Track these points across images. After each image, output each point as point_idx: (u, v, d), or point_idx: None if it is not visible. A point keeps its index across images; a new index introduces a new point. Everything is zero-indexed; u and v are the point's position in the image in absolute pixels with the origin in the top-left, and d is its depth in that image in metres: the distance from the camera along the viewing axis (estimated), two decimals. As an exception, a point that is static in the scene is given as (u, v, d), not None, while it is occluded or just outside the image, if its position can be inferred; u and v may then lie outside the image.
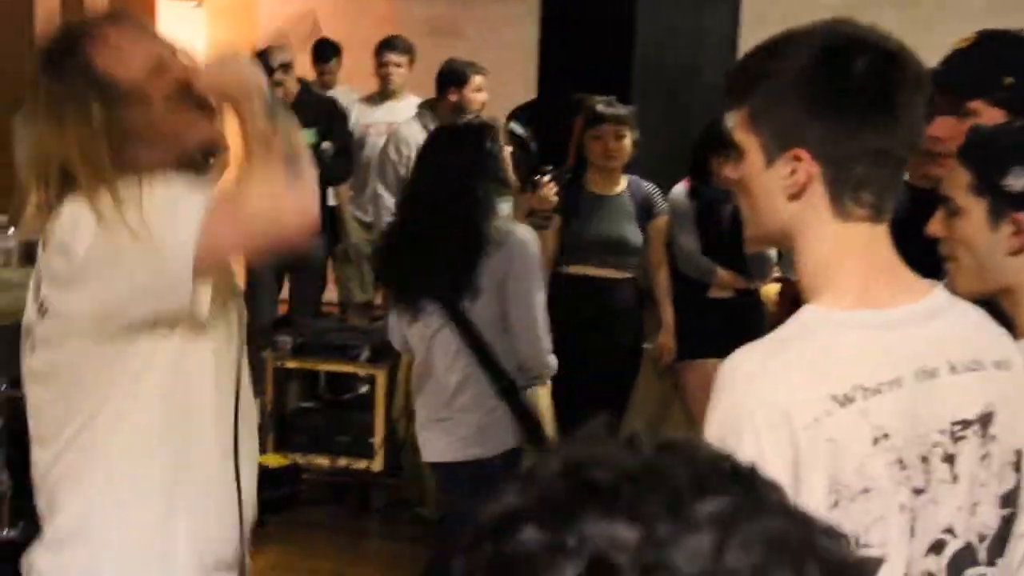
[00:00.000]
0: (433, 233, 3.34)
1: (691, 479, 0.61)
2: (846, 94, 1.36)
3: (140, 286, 1.79)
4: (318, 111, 5.86)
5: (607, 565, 0.58)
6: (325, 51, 6.86)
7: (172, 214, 1.78)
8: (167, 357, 1.87)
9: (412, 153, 5.65)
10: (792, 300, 4.87)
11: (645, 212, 4.65)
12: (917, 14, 5.91)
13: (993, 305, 1.71)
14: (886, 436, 1.33)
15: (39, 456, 1.96)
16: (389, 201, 5.54)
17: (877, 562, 1.33)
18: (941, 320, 1.42)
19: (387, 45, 6.38)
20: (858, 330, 1.37)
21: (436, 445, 3.44)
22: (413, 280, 3.40)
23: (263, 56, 5.85)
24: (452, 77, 5.71)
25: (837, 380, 1.33)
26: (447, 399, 3.39)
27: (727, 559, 0.58)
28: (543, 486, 0.62)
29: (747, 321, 4.69)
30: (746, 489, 0.62)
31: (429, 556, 4.05)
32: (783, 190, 1.39)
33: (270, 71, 5.80)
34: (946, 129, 2.17)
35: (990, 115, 2.17)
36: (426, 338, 3.40)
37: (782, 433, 1.29)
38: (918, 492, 1.36)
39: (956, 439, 1.39)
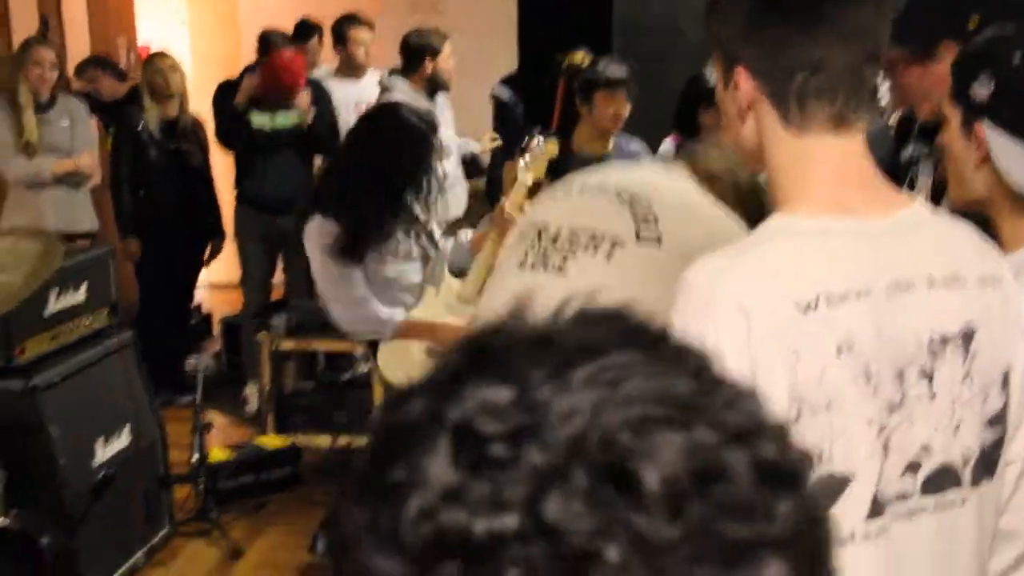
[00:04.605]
0: None
1: (584, 342, 0.57)
2: (774, 7, 1.36)
3: None
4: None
5: (472, 434, 0.53)
6: (305, 31, 6.76)
7: None
8: None
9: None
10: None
11: (633, 171, 4.61)
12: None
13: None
14: (851, 347, 1.28)
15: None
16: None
17: (843, 480, 1.29)
18: (920, 233, 1.37)
19: (352, 20, 6.28)
20: (825, 237, 1.33)
21: None
22: None
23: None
24: (427, 48, 5.67)
25: (800, 286, 1.28)
26: None
27: (603, 418, 0.53)
28: (443, 362, 0.59)
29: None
30: (647, 350, 0.57)
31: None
32: (737, 110, 1.41)
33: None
34: (914, 76, 2.15)
35: None
36: None
37: (740, 337, 1.25)
38: (892, 409, 1.31)
39: (935, 355, 1.33)
